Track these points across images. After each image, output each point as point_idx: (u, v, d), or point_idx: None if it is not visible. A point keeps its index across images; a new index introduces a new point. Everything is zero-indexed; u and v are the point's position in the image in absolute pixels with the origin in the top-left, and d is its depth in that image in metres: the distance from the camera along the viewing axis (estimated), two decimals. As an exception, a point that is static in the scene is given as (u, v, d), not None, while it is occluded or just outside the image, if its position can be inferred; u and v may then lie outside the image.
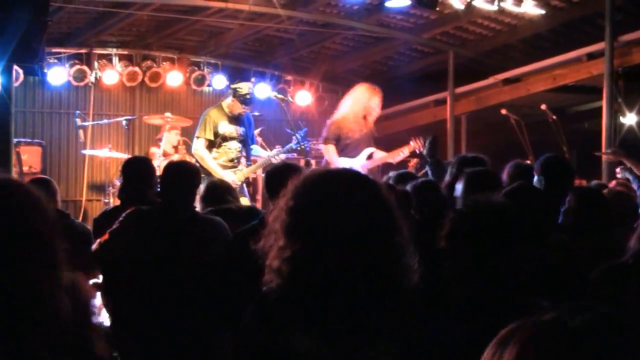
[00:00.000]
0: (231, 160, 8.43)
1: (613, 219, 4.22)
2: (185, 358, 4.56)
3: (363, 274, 2.16)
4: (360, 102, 8.67)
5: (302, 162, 8.91)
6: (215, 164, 8.30)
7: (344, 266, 2.15)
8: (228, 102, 8.49)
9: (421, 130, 12.68)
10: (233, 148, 8.43)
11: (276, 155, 8.50)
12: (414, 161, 10.23)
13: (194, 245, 4.62)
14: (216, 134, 8.36)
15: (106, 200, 10.86)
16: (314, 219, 2.20)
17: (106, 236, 4.60)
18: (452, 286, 2.55)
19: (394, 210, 2.28)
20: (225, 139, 8.39)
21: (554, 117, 9.45)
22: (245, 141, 8.58)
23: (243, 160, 8.56)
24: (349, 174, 2.35)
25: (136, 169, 5.65)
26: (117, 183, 9.87)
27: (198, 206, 5.71)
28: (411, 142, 8.90)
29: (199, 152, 8.36)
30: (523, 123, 9.78)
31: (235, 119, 8.48)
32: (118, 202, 5.92)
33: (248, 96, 8.43)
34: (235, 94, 8.40)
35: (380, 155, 8.77)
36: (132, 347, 4.60)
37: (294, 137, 8.60)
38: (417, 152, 8.83)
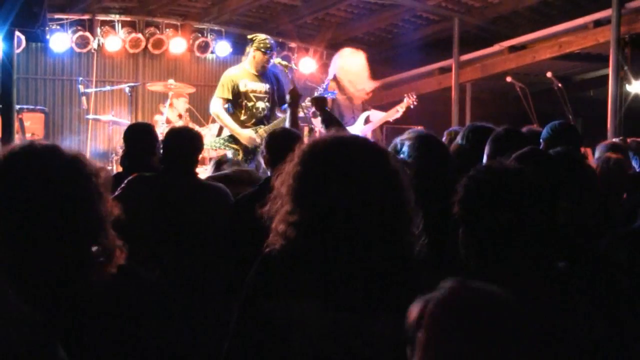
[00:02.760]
0: (259, 121, 7.99)
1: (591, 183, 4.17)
2: (189, 324, 4.56)
3: (368, 243, 2.16)
4: (345, 69, 8.57)
5: (306, 129, 8.85)
6: (232, 122, 7.90)
7: (350, 234, 2.15)
8: (249, 59, 8.09)
9: (426, 98, 12.66)
10: (260, 108, 7.99)
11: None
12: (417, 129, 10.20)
13: (197, 211, 4.61)
14: (237, 93, 7.95)
15: (109, 168, 10.84)
16: (320, 185, 2.19)
17: (108, 202, 4.57)
18: (465, 253, 2.53)
19: (403, 179, 2.26)
20: (248, 97, 7.96)
21: (560, 84, 9.39)
22: (273, 100, 8.11)
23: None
24: (358, 142, 2.34)
25: (138, 136, 5.62)
26: (120, 150, 9.85)
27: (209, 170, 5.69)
28: (405, 98, 8.89)
29: (215, 110, 8.01)
30: (528, 91, 9.73)
31: (259, 76, 8.05)
32: (121, 169, 5.89)
33: (267, 42, 7.98)
34: (254, 45, 8.01)
35: (378, 117, 8.70)
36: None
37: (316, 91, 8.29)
38: (412, 107, 8.83)
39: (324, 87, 8.23)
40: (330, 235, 2.14)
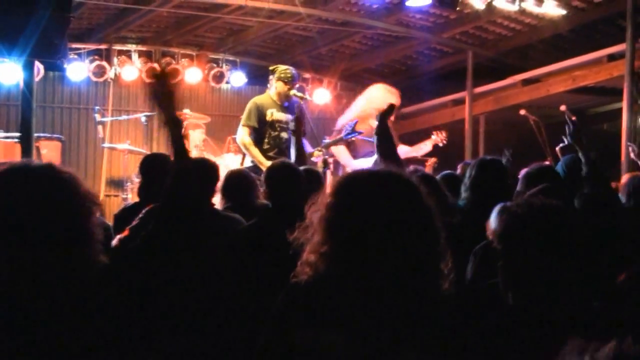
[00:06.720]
0: (282, 152, 7.84)
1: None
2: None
3: (397, 278, 2.18)
4: (373, 103, 8.47)
5: (320, 161, 8.84)
6: (259, 153, 7.80)
7: (379, 268, 2.18)
8: (273, 90, 8.04)
9: (439, 129, 12.67)
10: (283, 138, 7.94)
11: (324, 148, 7.95)
12: (431, 160, 10.22)
13: (212, 243, 4.63)
14: (263, 122, 7.89)
15: (124, 196, 10.90)
16: (352, 218, 2.22)
17: (126, 232, 4.61)
18: (503, 287, 2.55)
19: (434, 215, 2.29)
20: (273, 127, 7.93)
21: (574, 118, 9.40)
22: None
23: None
24: (391, 176, 2.36)
25: (155, 166, 5.63)
26: (136, 179, 9.89)
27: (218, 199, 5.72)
28: (433, 136, 8.87)
29: (244, 140, 7.88)
30: (542, 124, 9.75)
31: (284, 107, 8.02)
32: (137, 199, 5.92)
33: (288, 72, 7.96)
34: (276, 75, 7.98)
35: (403, 150, 8.64)
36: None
37: (343, 129, 8.19)
38: (441, 145, 8.81)
39: (351, 125, 8.06)
40: (360, 267, 2.16)
